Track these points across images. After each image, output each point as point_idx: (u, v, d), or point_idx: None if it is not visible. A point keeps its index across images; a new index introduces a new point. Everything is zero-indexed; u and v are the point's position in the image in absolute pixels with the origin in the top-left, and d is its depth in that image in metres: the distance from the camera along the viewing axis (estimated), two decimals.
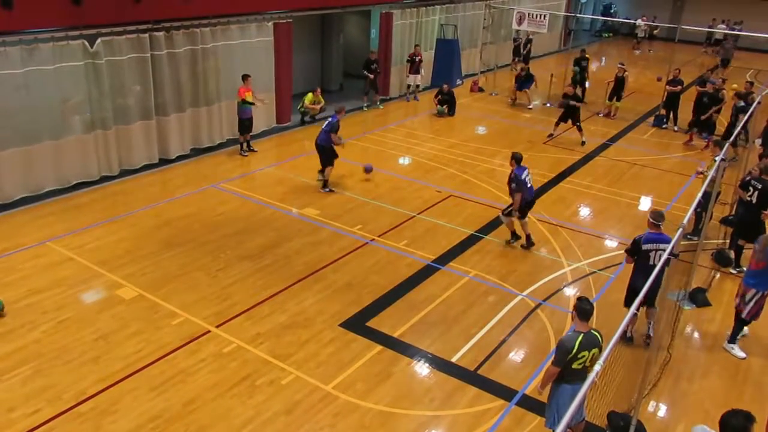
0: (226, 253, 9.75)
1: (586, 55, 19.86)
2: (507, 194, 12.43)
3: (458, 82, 21.36)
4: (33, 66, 10.55)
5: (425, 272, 9.51)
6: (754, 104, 12.39)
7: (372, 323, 8.22)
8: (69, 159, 11.53)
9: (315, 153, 12.27)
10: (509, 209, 10.13)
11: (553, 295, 9.10)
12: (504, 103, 20.06)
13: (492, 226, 11.05)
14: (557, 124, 16.12)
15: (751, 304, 7.74)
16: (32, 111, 10.76)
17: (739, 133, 11.27)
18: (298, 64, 17.47)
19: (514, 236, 10.35)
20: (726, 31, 28.64)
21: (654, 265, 7.34)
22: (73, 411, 6.46)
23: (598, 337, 5.65)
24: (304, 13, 16.34)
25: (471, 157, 14.55)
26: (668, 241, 7.46)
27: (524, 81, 19.46)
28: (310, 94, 16.66)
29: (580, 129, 15.85)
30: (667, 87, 17.44)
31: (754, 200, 9.64)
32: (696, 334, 8.49)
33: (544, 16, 19.98)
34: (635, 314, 7.98)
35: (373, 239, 10.43)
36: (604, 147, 16.00)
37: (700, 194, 7.01)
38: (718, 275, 9.94)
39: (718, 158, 10.23)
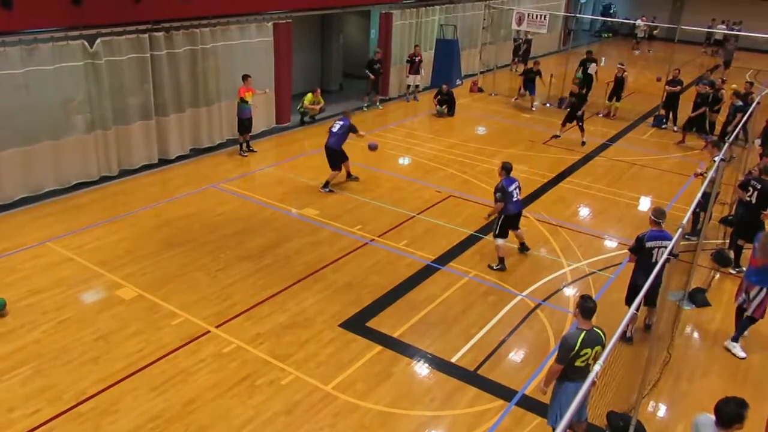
0: (226, 253, 9.75)
1: (594, 57, 19.73)
2: None
3: (458, 82, 21.36)
4: (32, 66, 10.55)
5: (425, 272, 9.51)
6: (754, 104, 12.41)
7: (372, 323, 8.22)
8: (69, 159, 11.52)
9: (314, 153, 12.28)
10: (497, 227, 9.58)
11: (552, 295, 9.11)
12: (503, 103, 20.06)
13: (491, 226, 11.03)
14: (563, 124, 16.13)
15: (757, 300, 7.80)
16: (32, 111, 10.75)
17: (737, 133, 11.27)
18: (298, 65, 17.47)
19: (502, 263, 9.63)
20: (725, 32, 28.68)
21: (656, 263, 7.39)
22: (73, 411, 6.46)
23: (601, 334, 5.66)
24: (304, 13, 16.34)
25: (471, 158, 14.55)
26: (671, 239, 7.51)
27: (531, 83, 19.14)
28: (309, 95, 16.67)
29: (582, 129, 15.87)
30: (667, 87, 17.46)
31: (754, 200, 9.65)
32: (696, 334, 8.49)
33: (544, 17, 19.98)
34: (635, 314, 8.02)
35: (373, 239, 10.44)
36: (603, 147, 16.01)
37: (699, 194, 7.01)
38: (717, 275, 9.94)
39: (717, 159, 10.28)
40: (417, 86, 19.62)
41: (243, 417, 6.52)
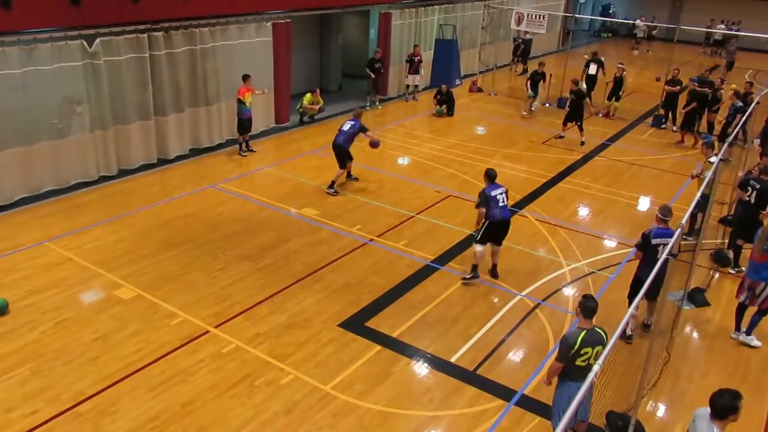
0: (225, 253, 9.75)
1: (598, 57, 19.61)
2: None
3: (457, 82, 21.36)
4: (32, 66, 10.54)
5: (424, 272, 9.51)
6: (753, 104, 12.41)
7: (371, 323, 8.22)
8: (68, 159, 11.52)
9: (313, 153, 12.27)
10: (479, 232, 9.13)
11: (552, 295, 9.11)
12: (503, 103, 20.06)
13: None
14: (565, 123, 16.13)
15: (764, 294, 7.89)
16: (31, 111, 10.75)
17: (736, 133, 11.28)
18: (297, 64, 17.48)
19: (475, 271, 9.21)
20: (724, 31, 28.69)
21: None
22: (72, 411, 6.46)
23: (603, 334, 5.65)
24: (303, 13, 16.33)
25: (470, 157, 14.55)
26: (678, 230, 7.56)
27: (535, 85, 18.62)
28: (308, 95, 16.67)
29: (581, 128, 15.87)
30: (666, 87, 17.46)
31: (753, 200, 9.65)
32: (695, 334, 8.49)
33: (543, 17, 19.98)
34: (634, 314, 8.04)
35: (372, 239, 10.43)
36: (603, 147, 16.01)
37: (698, 195, 7.02)
38: (717, 275, 9.95)
39: (711, 159, 10.32)
40: (416, 86, 19.62)
41: (242, 417, 6.51)
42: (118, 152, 12.44)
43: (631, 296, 7.97)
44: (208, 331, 7.84)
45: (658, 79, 16.85)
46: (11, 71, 10.31)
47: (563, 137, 16.24)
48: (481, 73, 22.63)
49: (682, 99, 17.42)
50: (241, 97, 13.33)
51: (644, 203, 12.61)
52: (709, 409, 4.71)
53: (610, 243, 10.82)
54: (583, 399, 3.54)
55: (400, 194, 12.31)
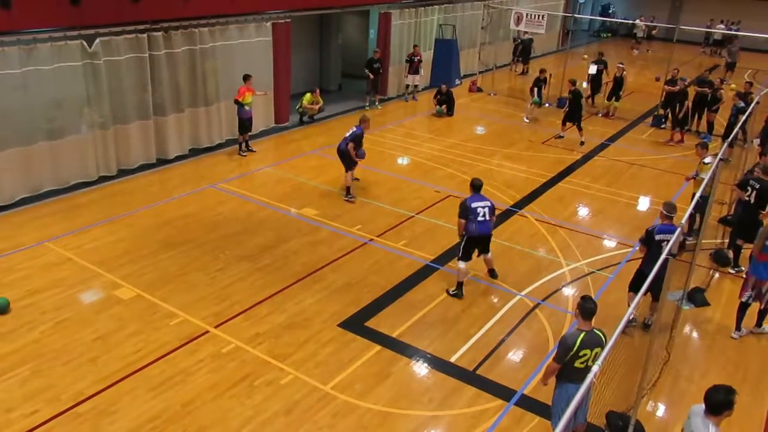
0: (225, 253, 9.75)
1: (603, 59, 19.64)
2: (506, 195, 12.53)
3: (457, 82, 21.37)
4: (31, 66, 10.54)
5: (424, 272, 9.51)
6: (753, 104, 12.42)
7: (371, 323, 8.22)
8: (67, 159, 11.52)
9: (312, 153, 12.26)
10: (460, 247, 8.78)
11: (551, 295, 9.11)
12: (503, 103, 20.07)
13: None
14: (564, 123, 16.15)
15: None
16: (31, 111, 10.75)
17: (736, 133, 11.29)
18: (297, 64, 17.48)
19: (459, 289, 8.89)
20: (724, 31, 28.69)
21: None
22: (72, 411, 6.46)
23: (601, 336, 5.63)
24: (303, 13, 16.33)
25: (470, 157, 14.55)
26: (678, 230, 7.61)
27: (539, 91, 17.97)
28: (308, 95, 16.67)
29: (580, 129, 15.88)
30: (666, 87, 17.46)
31: (753, 200, 9.65)
32: (695, 334, 8.49)
33: (542, 17, 19.98)
34: (645, 302, 8.14)
35: (372, 239, 10.43)
36: (602, 147, 16.02)
37: (698, 195, 7.02)
38: (716, 275, 9.95)
39: (706, 160, 10.34)
40: (416, 86, 19.62)
41: (242, 417, 6.51)
42: (118, 152, 12.44)
43: (632, 287, 8.10)
44: (207, 331, 7.84)
45: (657, 79, 16.86)
46: (11, 71, 10.31)
47: (563, 137, 16.25)
48: (480, 73, 22.64)
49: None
50: (240, 98, 13.32)
51: (644, 203, 12.61)
52: (703, 406, 4.71)
53: (609, 243, 10.82)
54: (581, 402, 3.54)
55: (399, 194, 12.31)
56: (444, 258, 9.92)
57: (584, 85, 17.12)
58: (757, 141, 14.09)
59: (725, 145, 10.99)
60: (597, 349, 5.56)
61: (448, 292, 8.96)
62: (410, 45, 19.52)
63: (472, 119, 18.02)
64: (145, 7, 11.91)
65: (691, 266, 8.41)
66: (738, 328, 8.30)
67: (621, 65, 18.38)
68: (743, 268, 9.94)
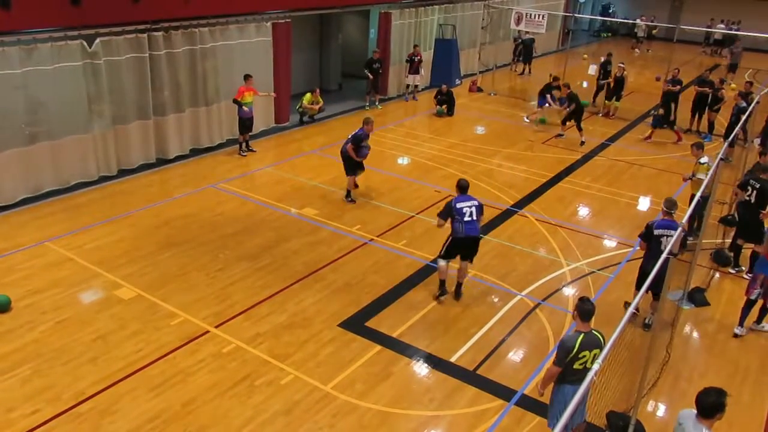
0: (225, 253, 9.75)
1: (620, 63, 19.53)
2: (506, 194, 12.54)
3: (457, 82, 21.37)
4: (31, 66, 10.54)
5: (424, 272, 9.51)
6: (753, 104, 12.42)
7: (371, 323, 8.21)
8: (68, 159, 11.51)
9: (313, 153, 12.26)
10: (443, 247, 8.60)
11: (552, 294, 9.11)
12: (503, 102, 20.07)
13: (491, 226, 11.06)
14: (564, 123, 16.18)
15: None
16: (31, 111, 10.74)
17: (736, 133, 11.29)
18: (297, 64, 17.48)
19: (442, 288, 8.72)
20: (724, 31, 28.68)
21: (665, 251, 7.52)
22: (72, 411, 6.46)
23: (600, 337, 5.62)
24: (303, 13, 16.34)
25: (470, 157, 14.55)
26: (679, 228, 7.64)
27: (543, 98, 17.42)
28: (308, 94, 16.68)
29: (580, 129, 15.89)
30: (667, 87, 17.43)
31: (753, 200, 9.65)
32: (695, 334, 8.49)
33: (543, 16, 19.98)
34: (650, 300, 8.18)
35: (372, 239, 10.43)
36: (603, 147, 16.02)
37: (698, 195, 7.02)
38: (717, 275, 9.95)
39: (702, 160, 10.35)
40: (416, 86, 19.62)
41: (242, 417, 6.51)
42: (118, 152, 12.44)
43: (638, 286, 8.14)
44: (208, 331, 7.84)
45: (658, 79, 16.86)
46: (11, 71, 10.30)
47: (563, 136, 16.25)
48: (480, 72, 22.63)
49: (683, 99, 17.44)
50: (239, 98, 13.32)
51: (644, 203, 12.61)
52: (693, 410, 4.67)
53: (610, 243, 10.82)
54: (579, 403, 3.54)
55: (400, 194, 12.31)
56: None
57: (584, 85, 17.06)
58: (757, 141, 14.10)
59: (725, 144, 11.00)
60: (596, 351, 5.56)
61: (435, 298, 8.75)
62: (410, 45, 19.52)
63: (473, 119, 18.02)
64: (145, 7, 11.91)
65: (692, 266, 8.41)
66: (741, 324, 8.34)
67: (622, 65, 18.37)
68: (743, 268, 9.95)
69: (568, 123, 16.04)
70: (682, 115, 17.42)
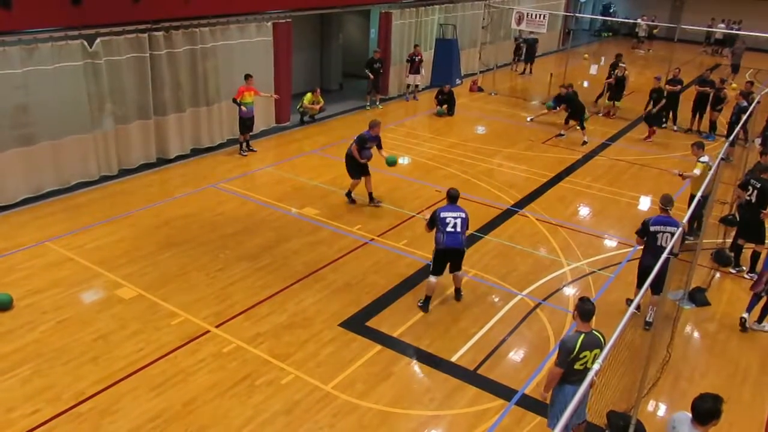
0: (226, 253, 9.75)
1: (622, 63, 19.42)
2: (506, 194, 12.53)
3: (457, 81, 21.36)
4: (32, 66, 10.54)
5: (425, 272, 9.47)
6: (754, 104, 12.42)
7: (371, 323, 8.21)
8: (68, 159, 11.52)
9: (313, 153, 12.26)
10: (432, 261, 8.42)
11: (552, 294, 9.10)
12: (503, 102, 20.06)
13: (491, 225, 11.06)
14: (566, 122, 16.25)
15: None
16: (31, 111, 10.75)
17: (737, 133, 11.28)
18: (298, 64, 17.48)
19: (425, 302, 8.49)
20: (725, 31, 28.65)
21: (661, 246, 7.59)
22: (73, 411, 6.46)
23: (600, 337, 5.63)
24: (304, 12, 16.33)
25: (470, 157, 14.55)
26: (675, 224, 7.71)
27: (556, 103, 17.08)
28: (309, 94, 16.67)
29: (583, 128, 15.90)
30: (667, 86, 17.43)
31: (754, 199, 9.65)
32: (696, 334, 8.49)
33: (543, 16, 19.97)
34: (652, 297, 8.17)
35: (373, 239, 10.43)
36: (603, 146, 16.01)
37: (699, 195, 7.01)
38: (717, 275, 9.94)
39: (702, 159, 10.35)
40: (417, 86, 19.62)
41: (242, 417, 6.51)
42: (119, 152, 12.45)
43: (639, 285, 8.17)
44: (208, 331, 7.84)
45: (658, 79, 16.88)
46: (12, 71, 10.31)
47: (564, 135, 16.25)
48: (481, 72, 22.62)
49: (683, 98, 17.44)
50: (238, 98, 13.31)
51: (645, 203, 12.60)
52: (688, 414, 4.65)
53: (610, 242, 10.82)
54: (580, 403, 3.54)
55: (400, 194, 12.31)
56: None
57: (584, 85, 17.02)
58: (758, 140, 14.08)
59: (726, 144, 11.00)
60: (596, 351, 5.56)
61: (418, 303, 8.61)
62: (411, 45, 19.51)
63: (473, 119, 18.01)
64: (145, 6, 11.91)
65: (692, 266, 8.40)
66: (749, 310, 8.42)
67: (623, 65, 18.36)
68: (744, 268, 9.94)
69: (571, 122, 16.04)
70: (682, 115, 17.42)
